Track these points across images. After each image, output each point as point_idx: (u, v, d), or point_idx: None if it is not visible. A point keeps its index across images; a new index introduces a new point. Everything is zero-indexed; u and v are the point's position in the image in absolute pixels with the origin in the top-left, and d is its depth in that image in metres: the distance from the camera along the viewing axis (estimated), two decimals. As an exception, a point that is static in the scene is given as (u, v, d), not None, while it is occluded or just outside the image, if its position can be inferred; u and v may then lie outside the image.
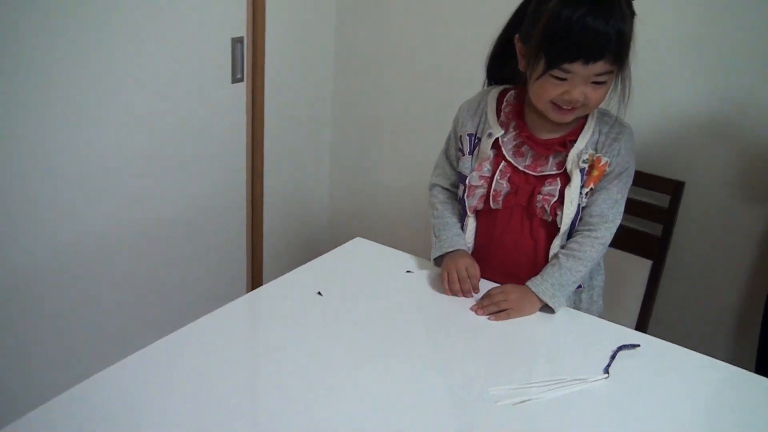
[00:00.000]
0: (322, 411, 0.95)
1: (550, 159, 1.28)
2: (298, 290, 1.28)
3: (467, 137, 1.34)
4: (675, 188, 1.71)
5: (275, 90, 2.01)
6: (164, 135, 1.74)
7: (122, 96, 1.61)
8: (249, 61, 1.90)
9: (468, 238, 1.37)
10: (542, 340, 1.20)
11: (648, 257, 1.75)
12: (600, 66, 1.14)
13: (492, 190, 1.30)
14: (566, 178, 1.26)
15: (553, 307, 1.24)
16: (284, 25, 1.98)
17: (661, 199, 1.74)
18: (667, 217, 1.72)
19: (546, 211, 1.28)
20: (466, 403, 1.00)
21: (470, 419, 0.97)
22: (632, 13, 1.17)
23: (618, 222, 1.31)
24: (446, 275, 1.30)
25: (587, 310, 1.36)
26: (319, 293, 1.25)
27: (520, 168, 1.29)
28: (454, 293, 1.29)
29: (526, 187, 1.29)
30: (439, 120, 1.81)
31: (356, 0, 2.15)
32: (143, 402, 0.94)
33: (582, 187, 1.26)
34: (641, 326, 1.75)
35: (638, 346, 1.17)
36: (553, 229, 1.30)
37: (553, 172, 1.28)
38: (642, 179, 1.72)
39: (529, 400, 1.01)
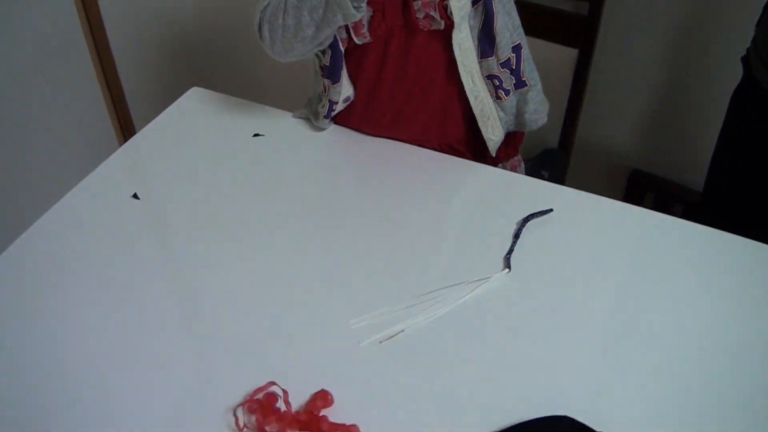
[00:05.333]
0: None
1: None
2: (112, 188, 0.97)
3: None
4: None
5: None
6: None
7: None
8: None
9: (346, 91, 1.00)
10: (425, 222, 0.93)
11: (573, 45, 1.43)
12: None
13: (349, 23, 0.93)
14: None
15: None
16: None
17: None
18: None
19: (434, 18, 0.91)
20: (324, 345, 0.76)
21: (328, 368, 0.73)
22: None
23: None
24: None
25: (535, 112, 1.03)
26: (135, 196, 0.95)
27: None
28: None
29: (393, 1, 0.93)
30: None
31: None
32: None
33: None
34: (566, 133, 1.49)
35: (550, 211, 0.91)
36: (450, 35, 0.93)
37: None
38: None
39: (402, 331, 0.77)
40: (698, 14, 1.40)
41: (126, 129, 1.80)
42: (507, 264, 0.84)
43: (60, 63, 1.59)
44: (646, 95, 1.57)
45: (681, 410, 0.70)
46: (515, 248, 0.86)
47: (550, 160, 1.46)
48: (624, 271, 0.85)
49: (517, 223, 0.90)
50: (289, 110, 1.10)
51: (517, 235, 0.88)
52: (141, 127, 1.09)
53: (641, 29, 1.48)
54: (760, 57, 1.02)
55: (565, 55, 1.43)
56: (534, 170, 1.26)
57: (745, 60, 1.08)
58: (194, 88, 1.16)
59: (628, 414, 0.69)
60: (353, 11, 0.85)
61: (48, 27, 1.53)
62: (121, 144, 1.75)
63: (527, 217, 0.90)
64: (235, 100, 1.13)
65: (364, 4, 0.87)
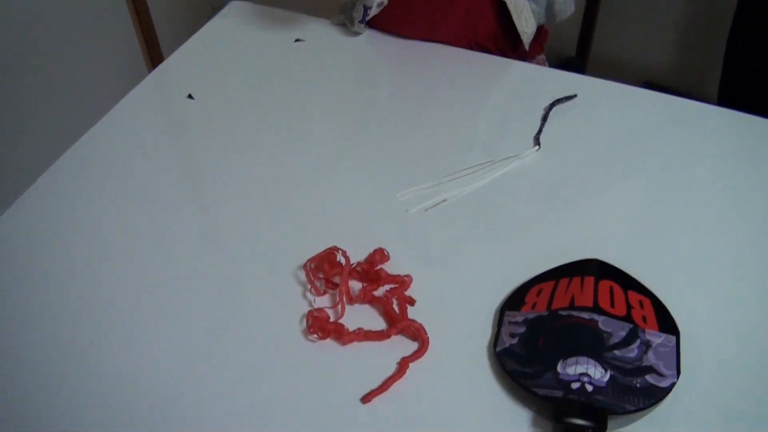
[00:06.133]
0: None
1: None
2: (169, 92, 1.05)
3: None
4: None
5: None
6: None
7: None
8: None
9: None
10: (459, 111, 1.01)
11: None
12: None
13: None
14: None
15: None
16: None
17: None
18: None
19: None
20: (376, 215, 0.85)
21: (382, 233, 0.82)
22: None
23: None
24: None
25: (564, 3, 1.10)
26: (190, 96, 1.03)
27: None
28: None
29: None
30: None
31: None
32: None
33: None
34: (583, 43, 1.55)
35: (575, 96, 0.99)
36: None
37: None
38: None
39: (444, 201, 0.86)
40: None
41: (153, 51, 1.84)
42: (537, 142, 0.92)
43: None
44: (661, 9, 1.62)
45: (699, 267, 0.78)
46: (543, 129, 0.94)
47: (568, 68, 1.52)
48: (649, 151, 0.93)
49: (544, 108, 0.98)
50: (326, 17, 1.17)
51: (544, 118, 0.96)
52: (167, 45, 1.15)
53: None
54: None
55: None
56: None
57: None
58: (234, 2, 1.23)
59: (654, 266, 0.78)
60: None
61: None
62: (148, 63, 1.83)
63: (553, 102, 0.98)
64: (275, 10, 1.19)
65: None
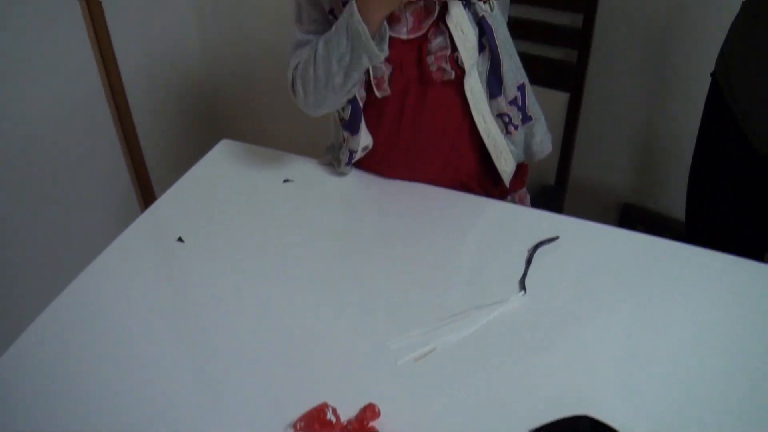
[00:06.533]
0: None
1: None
2: (160, 233, 1.07)
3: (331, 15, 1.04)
4: (588, 4, 1.47)
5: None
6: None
7: None
8: None
9: (364, 141, 1.10)
10: (444, 253, 1.04)
11: (564, 89, 1.55)
12: None
13: (372, 78, 1.05)
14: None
15: None
16: None
17: (574, 21, 1.51)
18: (582, 39, 1.50)
19: (445, 69, 1.03)
20: (365, 366, 0.85)
21: (371, 386, 0.82)
22: None
23: None
24: None
25: (541, 143, 1.14)
26: (180, 239, 1.05)
27: (402, 38, 1.03)
28: None
29: (410, 56, 1.04)
30: None
31: None
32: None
33: (467, 4, 0.99)
34: (562, 172, 1.60)
35: (557, 238, 1.02)
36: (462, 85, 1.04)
37: (434, 18, 1.00)
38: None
39: (433, 350, 0.86)
40: (679, 62, 1.53)
41: (145, 191, 1.88)
42: (522, 286, 0.94)
43: (82, 123, 1.69)
44: (634, 134, 1.69)
45: (686, 410, 0.79)
46: (528, 273, 0.96)
47: (549, 196, 1.57)
48: (627, 289, 0.95)
49: (528, 251, 1.00)
50: (310, 153, 1.20)
51: (528, 261, 0.98)
52: (158, 181, 1.17)
53: (626, 73, 1.60)
54: (724, 63, 1.11)
55: (558, 99, 1.55)
56: (534, 206, 1.36)
57: (713, 76, 1.16)
58: (224, 141, 1.27)
59: (644, 414, 0.78)
60: (377, 51, 0.96)
61: (69, 93, 1.64)
62: (140, 201, 1.86)
63: (536, 244, 1.00)
64: (264, 150, 1.23)
65: (386, 46, 0.98)
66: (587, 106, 1.58)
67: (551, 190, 1.60)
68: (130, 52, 1.76)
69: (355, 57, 0.97)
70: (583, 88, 1.54)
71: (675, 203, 1.73)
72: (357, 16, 0.94)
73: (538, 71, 1.51)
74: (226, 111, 2.18)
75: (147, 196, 1.86)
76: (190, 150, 2.03)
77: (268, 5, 1.87)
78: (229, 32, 2.01)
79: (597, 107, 1.65)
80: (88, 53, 1.65)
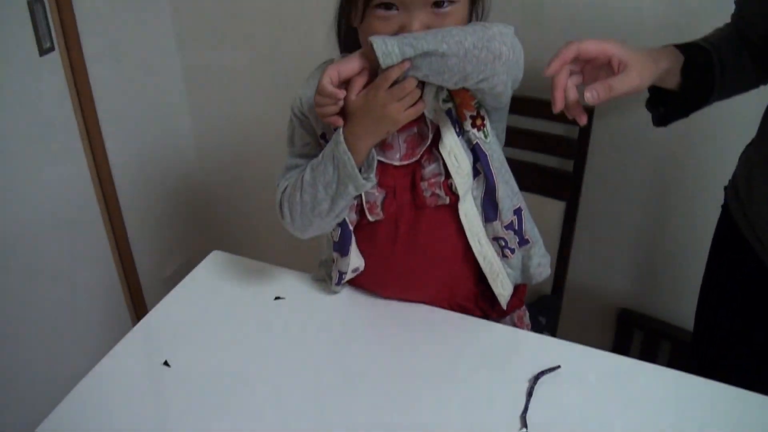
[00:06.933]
0: None
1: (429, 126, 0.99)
2: (144, 357, 1.02)
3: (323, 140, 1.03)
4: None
5: (104, 55, 1.64)
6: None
7: None
8: (56, 23, 1.52)
9: (354, 263, 1.08)
10: (440, 381, 0.99)
11: (560, 198, 1.54)
12: None
13: (364, 203, 1.03)
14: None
15: None
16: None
17: (569, 131, 1.52)
18: (579, 148, 1.50)
19: (439, 195, 1.01)
20: None
21: None
22: None
23: None
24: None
25: (539, 266, 1.11)
26: (166, 363, 1.00)
27: (395, 164, 1.02)
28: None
29: (403, 181, 1.02)
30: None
31: None
32: None
33: (461, 132, 0.98)
34: (559, 278, 1.57)
35: (558, 368, 0.98)
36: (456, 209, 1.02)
37: (428, 144, 1.00)
38: (544, 108, 1.49)
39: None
40: (674, 171, 1.53)
41: (135, 296, 1.85)
42: (524, 424, 0.89)
43: (73, 227, 1.67)
44: (631, 240, 1.67)
45: None
46: (529, 406, 0.92)
47: (546, 306, 1.54)
48: (633, 424, 0.91)
49: (528, 381, 0.96)
50: (304, 261, 1.17)
51: (529, 394, 0.94)
52: (150, 287, 1.15)
53: (622, 182, 1.60)
54: (737, 198, 1.08)
55: (554, 207, 1.54)
56: (532, 316, 1.33)
57: (726, 191, 1.14)
58: (215, 252, 1.24)
59: None
60: (363, 181, 0.95)
61: (61, 198, 1.62)
62: (131, 306, 1.82)
63: (537, 375, 0.96)
64: (255, 263, 1.20)
65: (372, 175, 0.96)
66: (583, 214, 1.57)
67: (548, 300, 1.57)
68: (122, 153, 1.76)
69: (341, 186, 0.96)
70: (579, 197, 1.53)
71: (672, 309, 1.70)
72: (343, 146, 0.93)
73: (534, 179, 1.52)
74: (219, 215, 2.17)
75: (136, 300, 1.83)
76: (181, 256, 2.02)
77: (265, 111, 1.89)
78: (225, 138, 2.02)
79: (593, 215, 1.63)
80: (81, 158, 1.65)
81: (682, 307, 1.68)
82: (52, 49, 1.51)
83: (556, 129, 1.52)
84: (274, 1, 1.73)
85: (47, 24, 1.49)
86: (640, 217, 1.63)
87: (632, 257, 1.70)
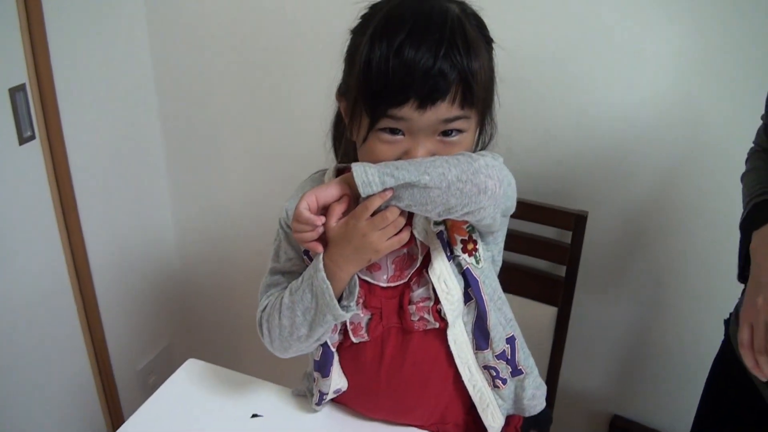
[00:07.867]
0: None
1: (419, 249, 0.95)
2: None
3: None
4: (577, 221, 1.44)
5: (86, 144, 1.60)
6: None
7: None
8: (38, 113, 1.48)
9: (336, 384, 1.01)
10: None
11: (552, 303, 1.49)
12: (444, 110, 0.81)
13: (348, 324, 0.97)
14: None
15: None
16: (79, 62, 1.56)
17: (562, 235, 1.48)
18: (571, 254, 1.46)
19: (428, 320, 0.95)
20: None
21: None
22: (485, 39, 0.86)
23: None
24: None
25: (533, 398, 1.04)
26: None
27: (382, 285, 0.96)
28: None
29: (390, 303, 0.96)
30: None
31: (168, 16, 1.71)
32: None
33: (451, 256, 0.93)
34: (551, 384, 1.51)
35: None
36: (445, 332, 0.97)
37: (418, 266, 0.95)
38: (537, 213, 1.46)
39: None
40: (666, 279, 1.50)
41: (108, 389, 1.77)
42: None
43: (47, 317, 1.60)
44: (622, 347, 1.63)
45: None
46: None
47: (538, 419, 1.47)
48: None
49: None
50: (286, 369, 1.10)
51: None
52: (126, 389, 1.07)
53: (615, 288, 1.56)
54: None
55: (545, 313, 1.49)
56: (524, 430, 1.26)
57: (727, 324, 1.10)
58: (191, 360, 1.17)
59: None
60: (341, 312, 0.88)
61: (36, 288, 1.55)
62: (106, 414, 1.73)
63: None
64: (232, 374, 1.13)
65: (353, 304, 0.91)
66: (576, 319, 1.52)
67: (541, 412, 1.49)
68: (100, 243, 1.70)
69: (319, 315, 0.90)
70: (571, 303, 1.48)
71: (663, 417, 1.65)
72: (322, 273, 0.87)
73: (526, 284, 1.47)
74: (197, 309, 2.10)
75: (109, 394, 1.74)
76: (156, 347, 1.93)
77: (247, 206, 1.85)
78: (206, 231, 1.97)
79: (585, 321, 1.59)
80: (58, 248, 1.58)
81: (673, 415, 1.63)
82: (32, 137, 1.47)
83: (548, 233, 1.49)
84: (264, 100, 1.71)
85: (29, 113, 1.45)
86: (634, 324, 1.59)
87: (624, 364, 1.65)
